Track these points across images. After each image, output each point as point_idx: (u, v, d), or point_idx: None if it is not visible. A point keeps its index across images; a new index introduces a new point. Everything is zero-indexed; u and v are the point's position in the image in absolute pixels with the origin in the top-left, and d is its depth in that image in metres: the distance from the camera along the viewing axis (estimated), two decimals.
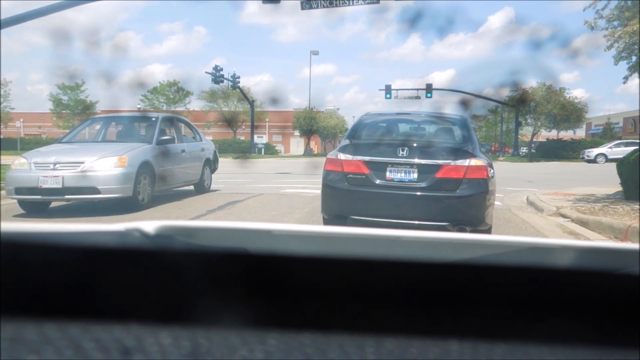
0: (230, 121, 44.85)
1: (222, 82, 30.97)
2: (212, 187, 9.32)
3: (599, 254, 0.75)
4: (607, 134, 39.89)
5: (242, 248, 0.61)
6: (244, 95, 36.76)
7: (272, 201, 8.07)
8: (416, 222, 4.18)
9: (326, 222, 4.71)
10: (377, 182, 4.32)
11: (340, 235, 0.79)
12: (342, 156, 4.50)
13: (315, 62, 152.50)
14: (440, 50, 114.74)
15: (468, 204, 4.19)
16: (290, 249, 0.62)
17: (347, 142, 4.75)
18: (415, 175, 4.27)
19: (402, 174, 4.30)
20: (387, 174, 4.33)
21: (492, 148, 61.88)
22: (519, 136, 37.03)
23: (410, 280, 0.56)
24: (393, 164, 4.33)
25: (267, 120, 49.19)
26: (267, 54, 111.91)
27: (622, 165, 8.04)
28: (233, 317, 0.52)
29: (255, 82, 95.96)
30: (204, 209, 6.97)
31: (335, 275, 0.56)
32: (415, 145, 4.43)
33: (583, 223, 5.88)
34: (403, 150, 4.32)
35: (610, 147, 29.49)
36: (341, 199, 4.48)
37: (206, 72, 29.85)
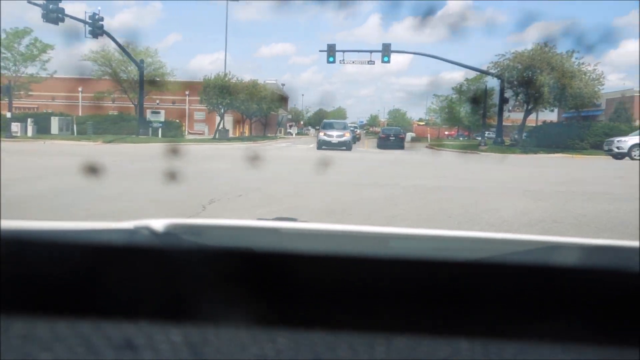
0: (125, 91, 33.12)
1: (62, 20, 19.36)
2: None
3: (602, 251, 0.73)
4: (621, 115, 29.87)
5: (249, 246, 0.60)
6: (122, 49, 25.37)
7: None
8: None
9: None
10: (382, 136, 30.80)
11: (349, 233, 0.79)
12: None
13: (274, 40, 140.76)
14: (400, 32, 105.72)
15: (401, 142, 28.27)
16: (299, 247, 0.60)
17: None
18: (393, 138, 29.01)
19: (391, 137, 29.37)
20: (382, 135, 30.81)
21: (452, 132, 52.01)
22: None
23: (420, 278, 0.55)
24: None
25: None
26: (224, 32, 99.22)
27: None
28: (243, 315, 0.52)
29: (212, 60, 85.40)
30: None
31: (344, 274, 0.55)
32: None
33: None
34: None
35: None
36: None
37: (29, 2, 18.00)
